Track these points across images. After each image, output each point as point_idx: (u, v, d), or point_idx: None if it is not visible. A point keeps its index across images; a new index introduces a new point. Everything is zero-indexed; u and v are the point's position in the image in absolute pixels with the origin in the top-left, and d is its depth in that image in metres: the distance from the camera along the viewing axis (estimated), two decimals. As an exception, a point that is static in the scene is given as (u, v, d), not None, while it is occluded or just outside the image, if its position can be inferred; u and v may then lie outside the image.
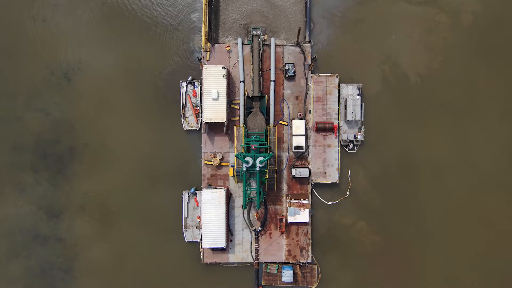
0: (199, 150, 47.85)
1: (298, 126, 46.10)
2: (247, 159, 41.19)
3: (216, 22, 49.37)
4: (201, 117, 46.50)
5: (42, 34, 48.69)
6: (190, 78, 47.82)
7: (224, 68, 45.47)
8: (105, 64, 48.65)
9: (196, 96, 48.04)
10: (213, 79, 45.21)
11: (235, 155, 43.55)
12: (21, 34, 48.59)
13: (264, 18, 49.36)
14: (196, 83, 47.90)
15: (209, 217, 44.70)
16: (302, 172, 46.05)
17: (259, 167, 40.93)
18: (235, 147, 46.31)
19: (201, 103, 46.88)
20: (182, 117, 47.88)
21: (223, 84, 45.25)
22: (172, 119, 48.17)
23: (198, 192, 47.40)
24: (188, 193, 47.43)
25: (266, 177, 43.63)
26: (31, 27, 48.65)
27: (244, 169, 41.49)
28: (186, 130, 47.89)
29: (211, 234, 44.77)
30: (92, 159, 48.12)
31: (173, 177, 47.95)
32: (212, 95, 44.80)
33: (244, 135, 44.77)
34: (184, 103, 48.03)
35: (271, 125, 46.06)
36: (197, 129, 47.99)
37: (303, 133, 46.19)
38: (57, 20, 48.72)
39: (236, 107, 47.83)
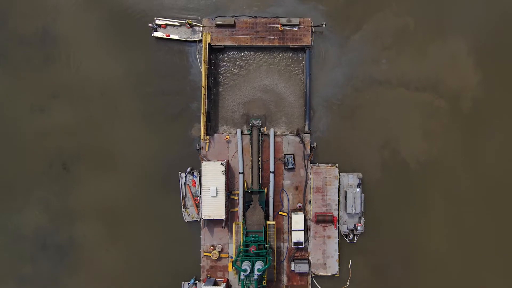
0: (199, 240, 47.66)
1: (297, 221, 45.81)
2: (245, 267, 40.68)
3: (216, 112, 49.48)
4: (201, 208, 46.36)
5: (40, 125, 48.69)
6: (189, 169, 47.79)
7: (222, 164, 45.43)
8: (102, 151, 48.77)
9: (195, 186, 47.96)
10: (212, 175, 45.16)
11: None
12: (19, 125, 48.70)
13: (263, 106, 49.46)
14: (195, 173, 47.84)
15: (208, 314, 44.47)
16: (302, 268, 45.73)
17: (257, 275, 40.43)
18: (234, 240, 46.10)
19: (200, 193, 46.79)
20: (182, 209, 47.79)
21: (221, 180, 45.16)
22: (172, 209, 48.08)
23: (198, 282, 47.18)
24: (188, 283, 47.20)
25: (265, 283, 43.28)
26: (29, 118, 48.75)
27: (242, 277, 41.01)
28: (187, 221, 47.83)
29: (211, 330, 44.52)
30: (92, 250, 48.11)
31: (173, 267, 47.76)
32: (211, 193, 44.74)
33: (243, 233, 44.55)
34: (184, 194, 47.96)
35: (271, 222, 45.81)
36: (198, 219, 47.85)
37: (302, 228, 45.92)
38: (55, 111, 48.83)
39: (236, 198, 47.71)
